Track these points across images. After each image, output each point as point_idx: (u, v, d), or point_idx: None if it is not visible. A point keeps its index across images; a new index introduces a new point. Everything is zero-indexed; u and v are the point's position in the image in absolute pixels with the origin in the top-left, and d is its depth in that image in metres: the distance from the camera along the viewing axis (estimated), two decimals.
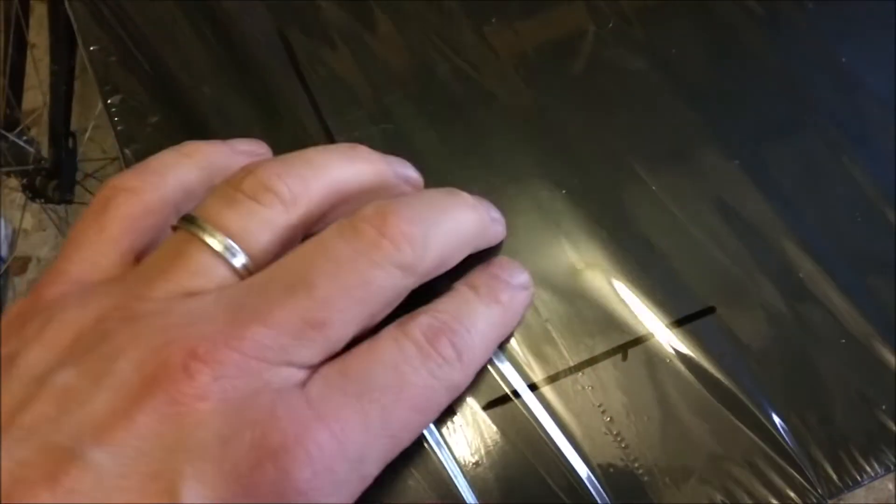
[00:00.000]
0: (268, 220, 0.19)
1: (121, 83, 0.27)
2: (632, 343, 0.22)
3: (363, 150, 0.22)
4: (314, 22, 0.28)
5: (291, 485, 0.16)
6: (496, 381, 0.22)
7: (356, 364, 0.18)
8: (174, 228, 0.20)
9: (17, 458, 0.16)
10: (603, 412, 0.21)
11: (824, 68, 0.27)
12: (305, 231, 0.20)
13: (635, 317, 0.23)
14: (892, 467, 0.21)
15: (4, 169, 0.87)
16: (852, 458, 0.21)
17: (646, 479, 0.21)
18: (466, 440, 0.21)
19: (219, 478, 0.16)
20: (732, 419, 0.21)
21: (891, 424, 0.21)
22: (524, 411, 0.21)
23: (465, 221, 0.21)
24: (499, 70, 0.27)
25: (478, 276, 0.21)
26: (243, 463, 0.16)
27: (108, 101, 0.26)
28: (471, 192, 0.23)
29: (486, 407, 0.21)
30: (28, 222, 1.06)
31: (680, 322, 0.23)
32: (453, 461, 0.21)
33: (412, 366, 0.19)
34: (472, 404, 0.21)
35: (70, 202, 0.91)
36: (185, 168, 0.21)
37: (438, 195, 0.21)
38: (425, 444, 0.21)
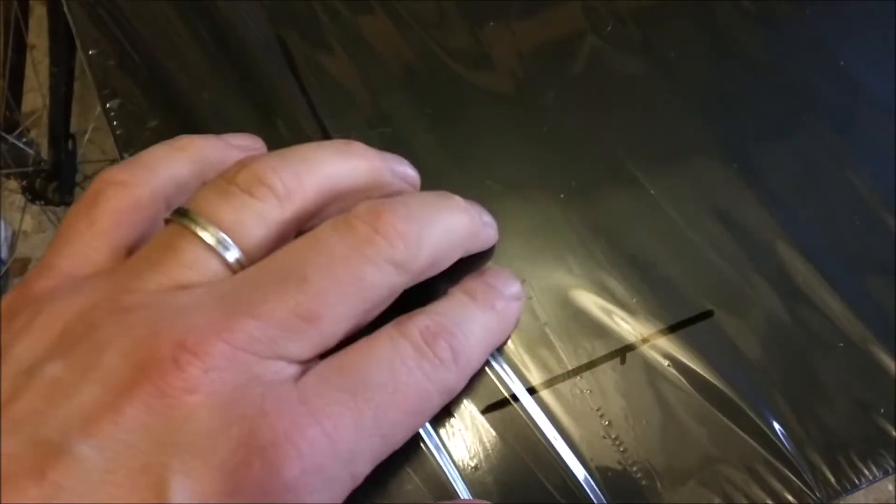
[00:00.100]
0: (261, 214, 0.19)
1: (119, 87, 0.27)
2: (630, 347, 0.22)
3: (359, 147, 0.22)
4: (312, 25, 0.28)
5: (280, 481, 0.16)
6: (495, 384, 0.22)
7: (352, 361, 0.18)
8: (167, 221, 0.20)
9: (5, 453, 0.16)
10: (601, 416, 0.21)
11: (823, 71, 0.27)
12: (299, 227, 0.20)
13: (634, 321, 0.23)
14: (891, 470, 0.21)
15: (4, 171, 0.87)
16: (850, 461, 0.21)
17: (644, 482, 0.21)
18: (465, 444, 0.21)
19: (207, 473, 0.16)
20: (730, 423, 0.21)
21: (889, 428, 0.21)
22: (523, 415, 0.21)
23: (458, 223, 0.21)
24: (497, 73, 0.27)
25: (474, 282, 0.21)
26: (231, 458, 0.16)
27: (107, 106, 0.26)
28: (468, 196, 0.23)
29: (485, 411, 0.21)
30: (28, 224, 1.06)
31: (678, 326, 0.23)
32: (452, 465, 0.21)
33: (407, 366, 0.18)
34: (470, 408, 0.21)
35: (70, 204, 0.91)
36: (177, 162, 0.21)
37: (431, 197, 0.21)
38: (424, 448, 0.21)
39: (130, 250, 0.20)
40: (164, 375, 0.16)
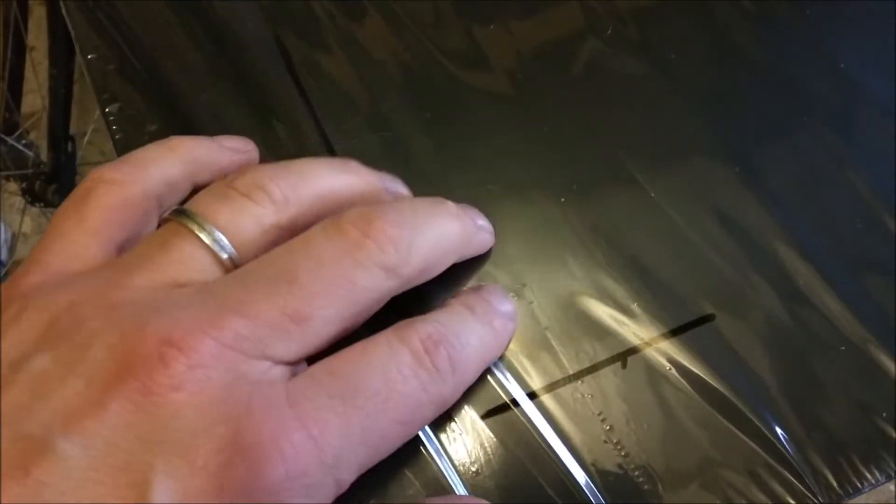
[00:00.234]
0: (257, 217, 0.20)
1: (118, 91, 0.27)
2: (631, 351, 0.22)
3: (354, 165, 0.22)
4: (310, 27, 0.28)
5: (262, 485, 0.16)
6: (495, 389, 0.22)
7: (346, 365, 0.18)
8: (164, 221, 0.20)
9: None
10: (602, 420, 0.21)
11: (823, 72, 0.27)
12: (293, 235, 0.20)
13: (635, 325, 0.23)
14: (893, 474, 0.21)
15: (4, 173, 0.87)
16: (853, 465, 0.21)
17: (645, 487, 0.21)
18: (466, 448, 0.21)
19: (190, 473, 0.16)
20: (732, 427, 0.21)
21: (891, 431, 0.21)
22: (524, 420, 0.21)
23: (450, 229, 0.21)
24: (496, 74, 0.27)
25: (472, 297, 0.21)
26: (216, 458, 0.16)
27: (107, 110, 0.26)
28: (468, 198, 0.23)
29: (486, 416, 0.21)
30: (28, 226, 1.06)
31: (679, 330, 0.23)
32: (453, 470, 0.21)
33: (403, 374, 0.18)
34: (471, 413, 0.21)
35: None
36: (168, 162, 0.22)
37: (423, 203, 0.21)
38: (424, 452, 0.21)
39: (121, 248, 0.21)
40: (149, 372, 0.16)
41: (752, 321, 0.23)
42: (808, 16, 0.28)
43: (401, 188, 0.23)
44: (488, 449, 0.21)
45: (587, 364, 0.22)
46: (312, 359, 0.19)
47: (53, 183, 0.88)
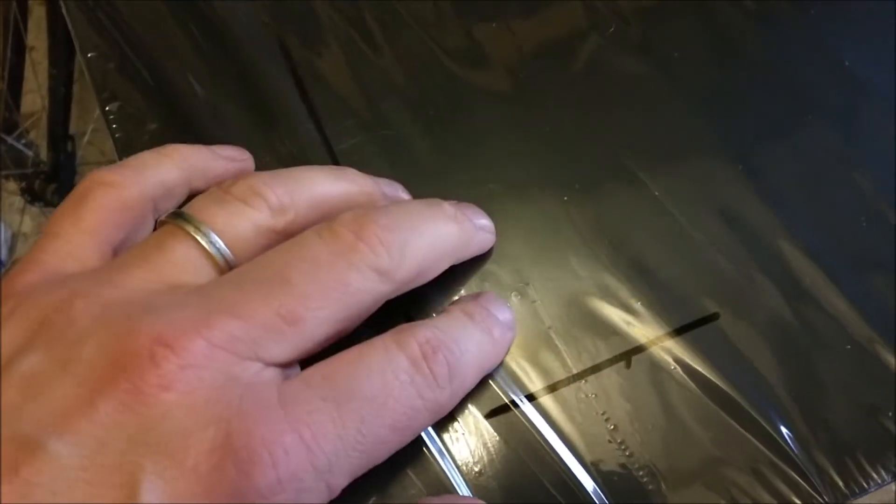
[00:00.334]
0: (253, 221, 0.20)
1: (119, 90, 0.26)
2: (635, 350, 0.22)
3: (351, 172, 0.22)
4: (313, 28, 0.28)
5: (252, 488, 0.16)
6: (499, 389, 0.22)
7: (341, 369, 0.18)
8: (161, 224, 0.20)
9: None
10: (606, 420, 0.21)
11: (827, 70, 0.27)
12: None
13: (639, 324, 0.23)
14: None
15: (3, 172, 0.87)
16: (858, 464, 0.21)
17: (650, 486, 0.20)
18: (469, 448, 0.21)
19: (180, 475, 0.16)
20: (737, 426, 0.21)
21: None
22: (527, 419, 0.21)
23: (445, 233, 0.21)
24: (498, 73, 0.27)
25: (471, 304, 0.21)
26: (206, 461, 0.16)
27: (107, 109, 0.26)
28: (470, 197, 0.23)
29: (489, 415, 0.21)
30: (27, 226, 1.06)
31: (683, 329, 0.22)
32: (456, 470, 0.21)
33: (400, 379, 0.18)
34: (474, 413, 0.21)
35: None
36: (164, 167, 0.22)
37: (418, 206, 0.21)
38: (427, 452, 0.21)
39: (117, 250, 0.21)
40: (140, 371, 0.16)
41: (757, 320, 0.23)
42: (811, 14, 0.28)
43: (400, 192, 0.23)
44: (491, 449, 0.21)
45: (591, 363, 0.22)
46: (306, 364, 0.19)
47: (53, 182, 0.88)
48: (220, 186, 0.20)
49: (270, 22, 0.28)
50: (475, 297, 0.22)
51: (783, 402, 0.21)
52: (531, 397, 0.22)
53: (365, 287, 0.19)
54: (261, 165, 0.25)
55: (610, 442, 0.21)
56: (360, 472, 0.18)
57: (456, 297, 0.23)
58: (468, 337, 0.20)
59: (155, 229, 0.21)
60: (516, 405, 0.21)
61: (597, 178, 0.25)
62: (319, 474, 0.17)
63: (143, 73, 0.27)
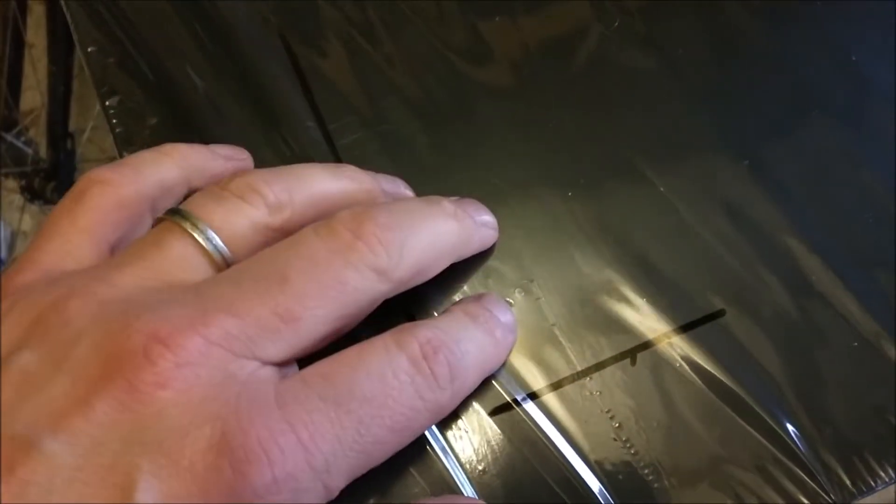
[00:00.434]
0: (251, 218, 0.20)
1: (118, 85, 0.26)
2: (640, 347, 0.22)
3: (350, 169, 0.22)
4: (315, 24, 0.28)
5: (248, 488, 0.16)
6: (502, 386, 0.21)
7: (340, 369, 0.18)
8: (159, 221, 0.20)
9: None
10: (611, 418, 0.21)
11: (834, 66, 0.27)
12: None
13: (644, 321, 0.22)
14: None
15: (3, 170, 0.87)
16: (866, 462, 0.21)
17: (655, 485, 0.20)
18: (472, 446, 0.21)
19: (175, 474, 0.16)
20: (743, 424, 0.21)
21: None
22: (531, 417, 0.21)
23: (445, 231, 0.21)
24: (502, 69, 0.27)
25: (473, 305, 0.21)
26: (202, 460, 0.16)
27: (106, 103, 0.26)
28: (473, 194, 0.23)
29: (493, 413, 0.21)
30: (27, 224, 1.06)
31: (689, 326, 0.22)
32: (459, 468, 0.20)
33: (400, 380, 0.18)
34: (477, 410, 0.21)
35: None
36: (163, 165, 0.22)
37: (417, 203, 0.21)
38: (430, 451, 0.20)
39: (114, 249, 0.20)
40: (135, 369, 0.16)
41: (763, 317, 0.22)
42: (817, 9, 0.28)
43: (401, 188, 0.23)
44: (495, 447, 0.21)
45: (595, 360, 0.22)
46: (305, 363, 0.18)
47: (52, 180, 0.88)
48: (218, 183, 0.20)
49: (272, 17, 0.28)
50: (477, 297, 0.22)
51: (789, 400, 0.21)
52: (535, 395, 0.21)
53: (363, 286, 0.18)
54: (261, 161, 0.25)
55: (615, 440, 0.21)
56: (358, 473, 0.18)
57: (458, 295, 0.23)
58: (470, 337, 0.20)
59: (153, 227, 0.21)
60: (520, 403, 0.21)
61: (601, 174, 0.25)
62: (317, 474, 0.17)
63: (144, 68, 0.27)
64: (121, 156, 0.25)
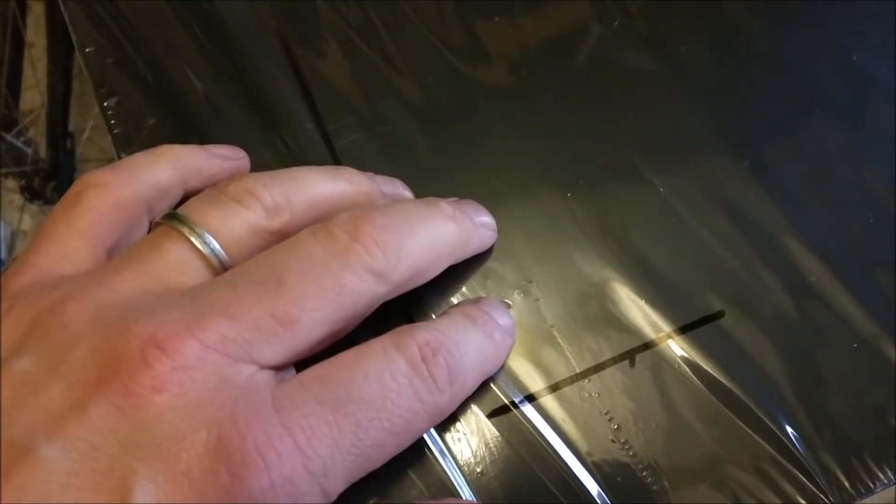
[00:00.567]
0: (248, 222, 0.20)
1: (117, 85, 0.26)
2: (639, 349, 0.22)
3: (348, 171, 0.22)
4: (313, 25, 0.28)
5: (245, 493, 0.16)
6: (500, 388, 0.21)
7: (338, 371, 0.18)
8: (156, 225, 0.20)
9: None
10: (610, 419, 0.21)
11: (835, 66, 0.27)
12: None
13: (643, 322, 0.22)
14: None
15: (3, 170, 0.87)
16: (865, 464, 0.21)
17: (653, 487, 0.20)
18: (470, 449, 0.21)
19: (172, 479, 0.16)
20: (742, 425, 0.21)
21: None
22: (530, 419, 0.21)
23: (443, 233, 0.21)
24: (502, 69, 0.27)
25: (471, 307, 0.21)
26: (198, 465, 0.16)
27: (105, 104, 0.26)
28: (472, 195, 0.23)
29: (491, 415, 0.21)
30: (27, 224, 1.06)
31: (688, 327, 0.22)
32: (458, 471, 0.20)
33: (398, 382, 0.18)
34: (476, 412, 0.21)
35: None
36: (159, 167, 0.22)
37: (415, 205, 0.21)
38: (428, 453, 0.20)
39: (111, 252, 0.20)
40: (132, 374, 0.16)
41: (762, 318, 0.22)
42: (818, 9, 0.28)
43: (400, 189, 0.23)
44: (493, 449, 0.21)
45: (594, 362, 0.22)
46: (302, 367, 0.18)
47: (52, 180, 0.88)
48: (216, 187, 0.20)
49: (270, 18, 0.28)
50: (476, 300, 0.21)
51: (788, 401, 0.21)
52: (533, 397, 0.21)
53: (360, 288, 0.18)
54: (260, 162, 0.24)
55: (613, 442, 0.21)
56: (356, 477, 0.18)
57: (457, 297, 0.23)
58: (469, 340, 0.20)
59: (150, 231, 0.21)
60: (518, 405, 0.21)
61: (600, 174, 0.25)
62: (314, 478, 0.16)
63: (142, 69, 0.27)
64: (119, 156, 0.25)
